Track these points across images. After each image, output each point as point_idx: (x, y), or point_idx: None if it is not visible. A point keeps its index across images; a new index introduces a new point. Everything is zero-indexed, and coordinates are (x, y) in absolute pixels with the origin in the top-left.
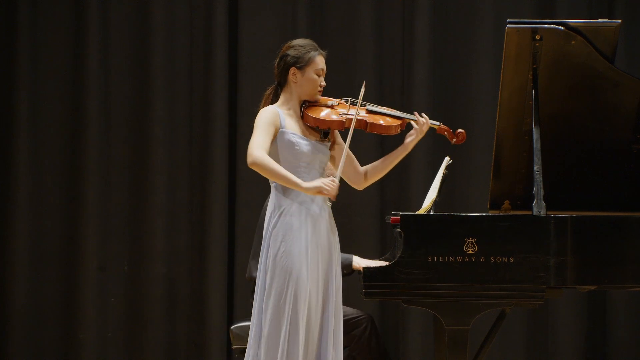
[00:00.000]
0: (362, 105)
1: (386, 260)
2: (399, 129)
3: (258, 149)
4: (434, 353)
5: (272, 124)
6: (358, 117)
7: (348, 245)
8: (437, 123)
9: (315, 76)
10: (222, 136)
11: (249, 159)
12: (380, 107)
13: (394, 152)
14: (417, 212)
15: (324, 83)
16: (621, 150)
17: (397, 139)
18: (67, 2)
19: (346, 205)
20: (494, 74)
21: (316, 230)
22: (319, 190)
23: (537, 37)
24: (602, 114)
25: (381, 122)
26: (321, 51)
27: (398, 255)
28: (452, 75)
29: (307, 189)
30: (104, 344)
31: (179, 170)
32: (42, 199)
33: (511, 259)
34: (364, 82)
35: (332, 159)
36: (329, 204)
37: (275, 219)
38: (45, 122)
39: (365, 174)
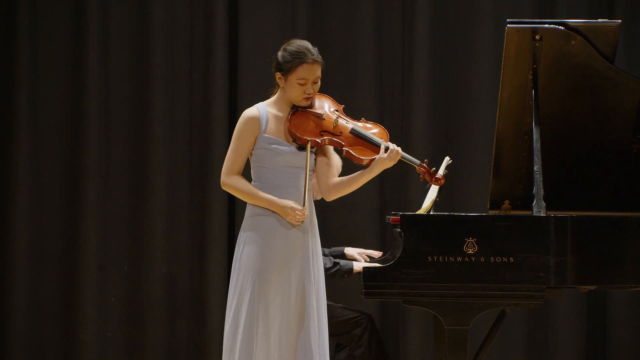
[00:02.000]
0: (348, 120)
1: (386, 261)
2: (372, 161)
3: (229, 175)
4: (434, 353)
5: (250, 134)
6: (336, 139)
7: (348, 245)
8: (418, 162)
9: (298, 85)
10: (222, 136)
11: (221, 180)
12: (366, 124)
13: (360, 173)
14: (417, 212)
15: (310, 91)
16: (621, 150)
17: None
18: (67, 2)
19: (346, 205)
20: (494, 74)
21: (290, 233)
22: (285, 217)
23: (537, 37)
24: (602, 114)
25: (356, 153)
26: (314, 59)
27: (398, 255)
28: (452, 75)
29: (277, 210)
30: (104, 344)
31: (179, 170)
32: (42, 199)
33: (511, 259)
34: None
35: (318, 165)
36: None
37: (249, 218)
38: (45, 122)
39: (335, 187)
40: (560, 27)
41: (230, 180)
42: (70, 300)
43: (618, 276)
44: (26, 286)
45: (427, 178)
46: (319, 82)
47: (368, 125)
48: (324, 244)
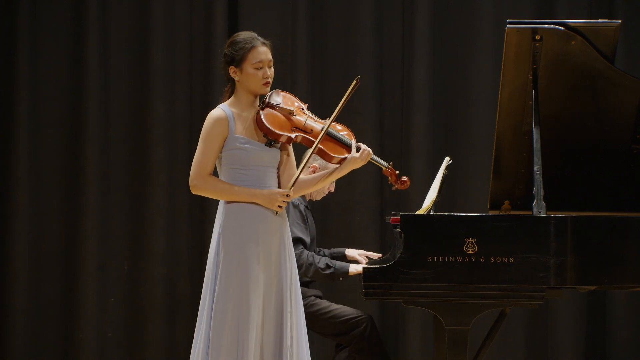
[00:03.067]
0: (316, 119)
1: (386, 261)
2: (344, 161)
3: (200, 177)
4: (434, 353)
5: (219, 135)
6: (308, 136)
7: (348, 245)
8: (386, 164)
9: (254, 70)
10: None
11: (191, 183)
12: (335, 126)
13: (328, 171)
14: (417, 212)
15: (269, 74)
16: (621, 150)
17: (392, 146)
18: (67, 2)
19: (346, 205)
20: (494, 74)
21: (267, 235)
22: (271, 205)
23: (537, 37)
24: (602, 114)
25: (328, 151)
26: (262, 41)
27: (398, 255)
28: (452, 75)
29: (261, 201)
30: (104, 344)
31: (179, 170)
32: (42, 199)
33: (511, 259)
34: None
35: (281, 162)
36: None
37: (224, 219)
38: (45, 122)
39: (298, 184)
40: (560, 27)
41: (203, 182)
42: (70, 300)
43: (618, 276)
44: (26, 286)
45: (393, 180)
46: (272, 66)
47: (337, 125)
48: (324, 245)
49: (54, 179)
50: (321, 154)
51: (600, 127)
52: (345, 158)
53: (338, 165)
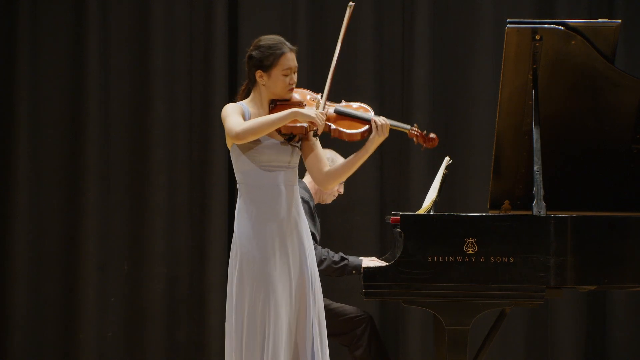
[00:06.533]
0: (330, 103)
1: (386, 260)
2: (365, 134)
3: (236, 128)
4: (434, 353)
5: (240, 113)
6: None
7: (348, 245)
8: (408, 127)
9: (283, 76)
10: (222, 136)
11: (232, 135)
12: (348, 105)
13: (356, 154)
14: (417, 212)
15: (294, 80)
16: (621, 150)
17: (392, 146)
18: (67, 2)
19: (346, 205)
20: (494, 74)
21: (282, 233)
22: (308, 117)
23: (537, 37)
24: (602, 114)
25: (345, 129)
26: (290, 47)
27: (398, 255)
28: (452, 75)
29: (300, 116)
30: (104, 344)
31: (179, 170)
32: (42, 199)
33: (511, 259)
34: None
35: (306, 156)
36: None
37: (240, 221)
38: (45, 122)
39: (330, 174)
40: (560, 27)
41: (242, 128)
42: (70, 300)
43: (618, 276)
44: (26, 286)
45: (420, 141)
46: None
47: (350, 104)
48: (324, 245)
49: (54, 179)
50: (340, 135)
51: (600, 127)
52: (366, 131)
53: (360, 140)
